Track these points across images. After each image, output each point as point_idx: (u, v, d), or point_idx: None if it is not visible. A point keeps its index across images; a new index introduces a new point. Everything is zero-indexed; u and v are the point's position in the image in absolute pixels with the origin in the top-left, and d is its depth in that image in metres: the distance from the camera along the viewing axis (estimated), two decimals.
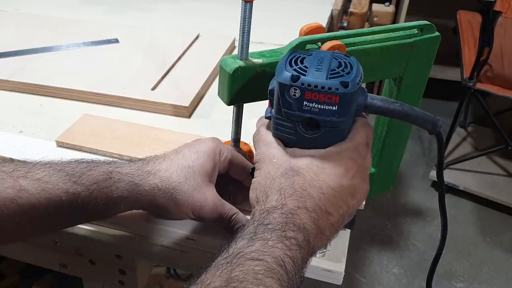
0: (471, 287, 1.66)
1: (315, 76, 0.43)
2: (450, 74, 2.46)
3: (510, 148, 1.84)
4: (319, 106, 0.43)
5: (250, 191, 0.48)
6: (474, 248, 1.81)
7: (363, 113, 0.49)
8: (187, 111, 0.79)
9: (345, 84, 0.43)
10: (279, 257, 0.39)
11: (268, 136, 0.48)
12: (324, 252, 0.56)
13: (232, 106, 0.56)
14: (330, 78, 0.43)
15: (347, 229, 0.59)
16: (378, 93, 2.49)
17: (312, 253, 0.44)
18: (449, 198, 2.02)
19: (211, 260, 0.40)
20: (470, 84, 1.73)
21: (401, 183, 2.09)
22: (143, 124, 0.75)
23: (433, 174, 2.02)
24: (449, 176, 1.99)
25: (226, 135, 0.61)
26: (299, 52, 0.47)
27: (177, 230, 0.58)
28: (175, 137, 0.71)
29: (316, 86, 0.43)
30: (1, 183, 0.46)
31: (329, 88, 0.43)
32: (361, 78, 0.45)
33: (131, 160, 0.54)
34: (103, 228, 0.59)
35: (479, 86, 1.73)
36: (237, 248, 0.40)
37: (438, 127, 0.49)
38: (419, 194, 2.07)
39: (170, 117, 0.79)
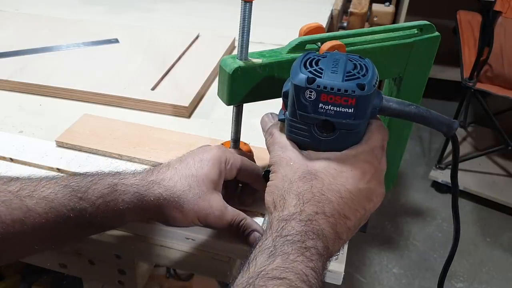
0: (471, 287, 1.66)
1: (331, 78, 0.43)
2: (450, 74, 2.46)
3: (510, 148, 1.84)
4: (335, 108, 0.43)
5: (266, 194, 0.47)
6: (474, 248, 1.81)
7: (377, 115, 0.48)
8: (187, 111, 0.79)
9: (361, 87, 0.42)
10: (302, 271, 0.39)
11: (283, 139, 0.48)
12: (337, 255, 0.56)
13: (232, 106, 0.56)
14: (346, 80, 0.43)
15: (360, 232, 0.59)
16: None
17: (330, 258, 0.43)
18: (449, 198, 2.01)
19: (232, 280, 0.40)
20: (470, 84, 1.73)
21: (401, 183, 2.09)
22: (143, 124, 0.75)
23: (433, 174, 2.02)
24: (449, 176, 1.99)
25: (226, 135, 0.61)
26: (313, 54, 0.47)
27: (177, 230, 0.58)
28: (175, 137, 0.71)
29: (332, 89, 0.42)
30: (8, 204, 0.46)
31: (345, 91, 0.42)
32: (377, 80, 0.44)
33: (136, 170, 0.54)
34: None
35: (479, 86, 1.73)
36: (258, 266, 0.39)
37: (453, 130, 0.49)
38: (419, 194, 2.07)
39: (170, 117, 0.79)
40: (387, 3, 1.47)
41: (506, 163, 2.07)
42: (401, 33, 0.58)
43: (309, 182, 0.44)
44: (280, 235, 0.41)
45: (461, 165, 2.03)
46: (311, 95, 0.43)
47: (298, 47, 0.53)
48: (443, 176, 2.00)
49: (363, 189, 0.45)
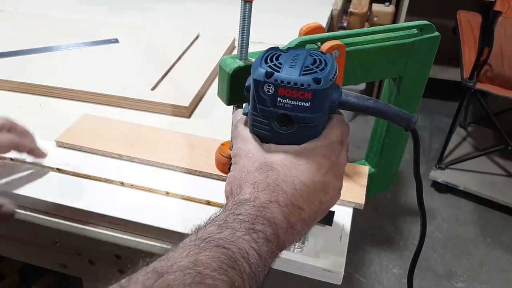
0: (471, 287, 1.66)
1: (288, 73, 0.44)
2: (450, 74, 2.46)
3: (510, 148, 1.83)
4: (292, 102, 0.44)
5: (225, 184, 0.49)
6: (474, 248, 1.81)
7: (340, 110, 0.49)
8: (187, 111, 0.79)
9: (317, 81, 0.43)
10: (244, 249, 0.40)
11: (245, 132, 0.49)
12: (302, 247, 0.57)
13: (231, 106, 0.56)
14: (303, 74, 0.44)
15: (326, 226, 0.60)
16: (378, 93, 2.49)
17: (282, 247, 0.44)
18: (449, 198, 2.02)
19: (179, 241, 0.41)
20: (470, 84, 1.73)
21: (401, 183, 2.09)
22: (143, 124, 0.75)
23: (433, 174, 2.02)
24: (449, 176, 1.99)
25: (226, 135, 0.61)
26: (276, 49, 0.48)
27: (177, 230, 0.58)
28: (175, 137, 0.71)
29: (289, 83, 0.43)
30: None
31: (302, 85, 0.43)
32: (334, 75, 0.45)
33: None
34: (103, 228, 0.60)
35: (479, 86, 1.73)
36: (206, 233, 0.41)
37: (412, 124, 0.49)
38: None
39: (170, 117, 0.79)
40: (387, 3, 1.47)
41: (506, 163, 2.07)
42: (401, 33, 0.58)
43: (265, 173, 0.45)
44: (233, 213, 0.43)
45: (461, 165, 2.03)
46: (270, 89, 0.44)
47: (298, 47, 0.53)
48: (443, 176, 2.00)
49: (317, 182, 0.46)
